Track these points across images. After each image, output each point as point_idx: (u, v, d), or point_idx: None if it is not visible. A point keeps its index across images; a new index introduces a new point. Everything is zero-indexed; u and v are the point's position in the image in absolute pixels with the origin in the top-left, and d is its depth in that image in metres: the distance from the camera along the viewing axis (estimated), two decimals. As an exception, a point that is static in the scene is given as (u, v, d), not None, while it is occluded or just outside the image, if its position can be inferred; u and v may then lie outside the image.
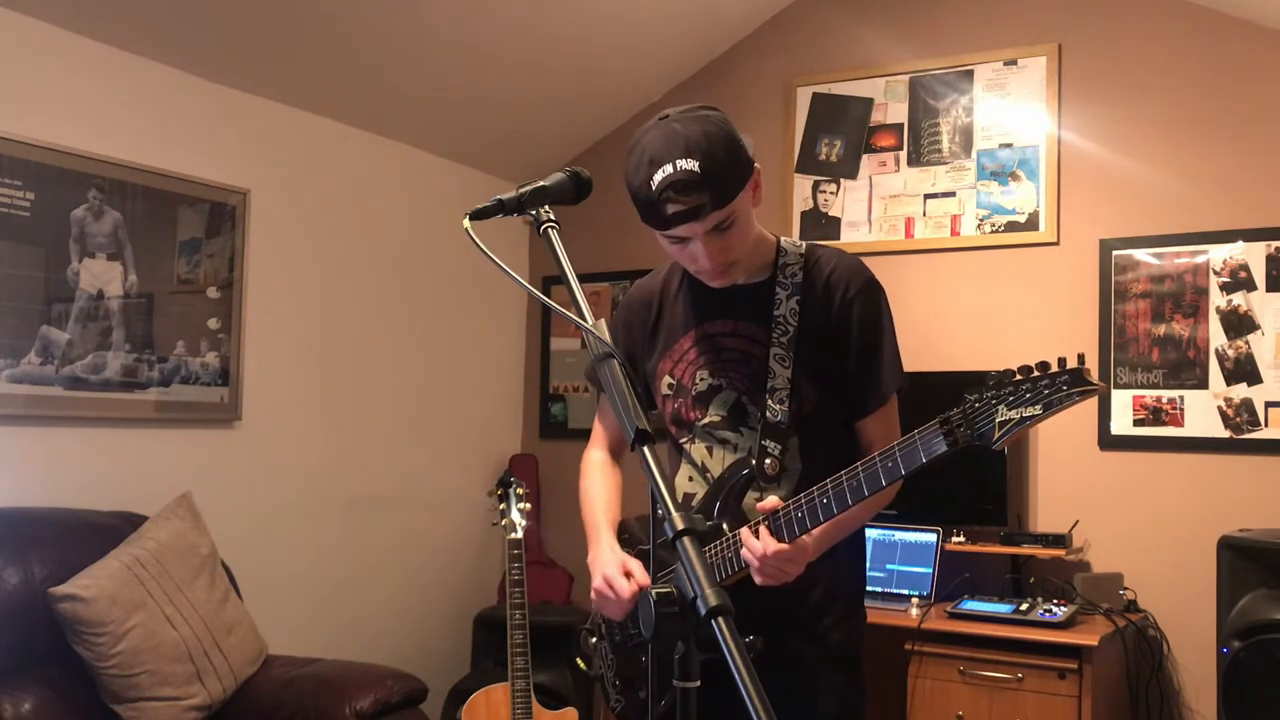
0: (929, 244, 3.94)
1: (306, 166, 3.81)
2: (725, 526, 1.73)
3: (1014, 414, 1.39)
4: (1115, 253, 3.61)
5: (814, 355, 1.77)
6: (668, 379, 1.88)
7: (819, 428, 1.77)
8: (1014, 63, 3.82)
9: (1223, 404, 3.42)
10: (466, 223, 1.38)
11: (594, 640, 1.98)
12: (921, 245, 3.95)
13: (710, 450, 1.84)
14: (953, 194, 3.91)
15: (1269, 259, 3.39)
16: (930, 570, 3.54)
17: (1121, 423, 3.57)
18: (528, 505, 3.37)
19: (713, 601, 1.06)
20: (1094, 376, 1.36)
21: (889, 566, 3.62)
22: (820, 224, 4.14)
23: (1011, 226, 3.80)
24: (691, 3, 3.99)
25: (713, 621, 1.05)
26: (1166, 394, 3.50)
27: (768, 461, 1.74)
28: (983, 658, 3.13)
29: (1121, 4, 3.67)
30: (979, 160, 3.87)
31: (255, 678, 2.98)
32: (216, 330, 3.47)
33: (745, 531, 1.64)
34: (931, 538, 3.58)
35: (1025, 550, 3.48)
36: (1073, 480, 3.63)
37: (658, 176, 1.60)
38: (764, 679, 1.01)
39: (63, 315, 3.04)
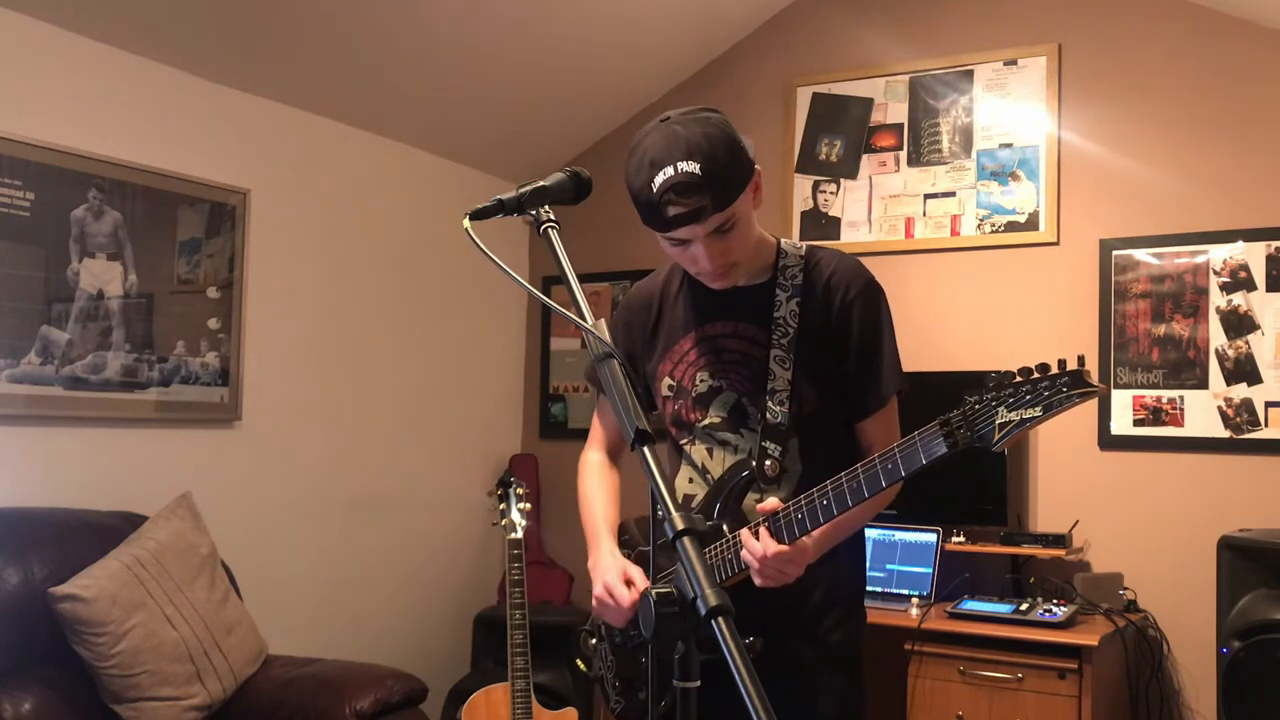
0: (929, 244, 3.94)
1: (306, 166, 3.81)
2: (725, 528, 1.73)
3: (1014, 416, 1.39)
4: (1115, 253, 3.61)
5: (814, 357, 1.77)
6: (668, 380, 1.88)
7: (819, 429, 1.77)
8: (1014, 63, 3.82)
9: (1223, 404, 3.42)
10: (466, 223, 1.38)
11: (594, 641, 1.98)
12: (921, 245, 3.95)
13: (710, 452, 1.84)
14: (953, 194, 3.91)
15: (1269, 259, 3.39)
16: (930, 570, 3.54)
17: (1121, 423, 3.57)
18: (528, 505, 3.37)
19: (713, 602, 1.06)
20: (1094, 378, 1.36)
21: (889, 566, 3.62)
22: (820, 224, 4.14)
23: (1011, 226, 3.80)
24: (691, 3, 3.99)
25: (713, 622, 1.05)
26: (1166, 394, 3.50)
27: (768, 463, 1.74)
28: (983, 658, 3.13)
29: (1121, 4, 3.67)
30: (979, 160, 3.87)
31: (255, 678, 2.98)
32: (216, 330, 3.47)
33: (745, 533, 1.64)
34: (931, 538, 3.58)
35: (1025, 550, 3.48)
36: (1073, 480, 3.63)
37: (659, 179, 1.60)
38: (764, 679, 1.01)
39: (63, 315, 3.04)
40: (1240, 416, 3.39)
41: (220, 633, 2.89)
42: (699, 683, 1.19)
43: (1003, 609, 3.24)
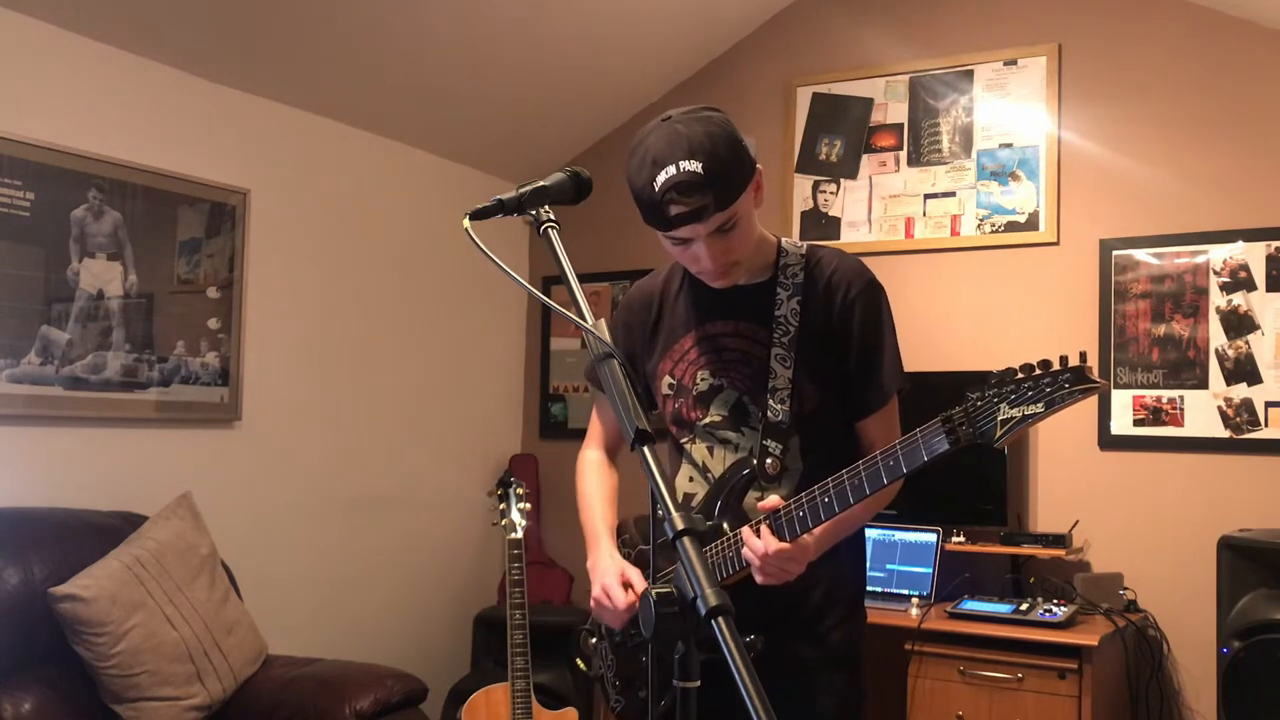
0: (929, 244, 3.94)
1: (306, 166, 3.81)
2: (726, 526, 1.73)
3: (1016, 412, 1.39)
4: (1115, 253, 3.61)
5: (815, 355, 1.77)
6: (668, 379, 1.88)
7: (820, 428, 1.77)
8: (1014, 63, 3.82)
9: (1223, 404, 3.42)
10: (466, 223, 1.38)
11: (594, 640, 1.98)
12: (921, 245, 3.95)
13: (711, 450, 1.84)
14: (953, 194, 3.91)
15: (1269, 259, 3.39)
16: (930, 570, 3.54)
17: (1121, 423, 3.57)
18: (528, 505, 3.37)
19: (713, 601, 1.06)
20: (1095, 374, 1.36)
21: (889, 566, 3.62)
22: (820, 224, 4.14)
23: (1011, 226, 3.80)
24: (691, 3, 3.99)
25: (712, 622, 1.05)
26: (1166, 394, 3.50)
27: (769, 461, 1.74)
28: (983, 658, 3.13)
29: (1121, 4, 3.67)
30: (979, 160, 3.87)
31: (255, 678, 2.98)
32: (216, 330, 3.47)
33: (746, 530, 1.64)
34: (931, 538, 3.58)
35: (1025, 550, 3.48)
36: (1073, 480, 3.63)
37: (661, 177, 1.60)
38: (764, 679, 1.01)
39: (63, 315, 3.04)
40: (1240, 416, 3.39)
41: (220, 633, 2.89)
42: (699, 682, 1.19)
43: (1003, 609, 3.24)
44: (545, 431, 4.75)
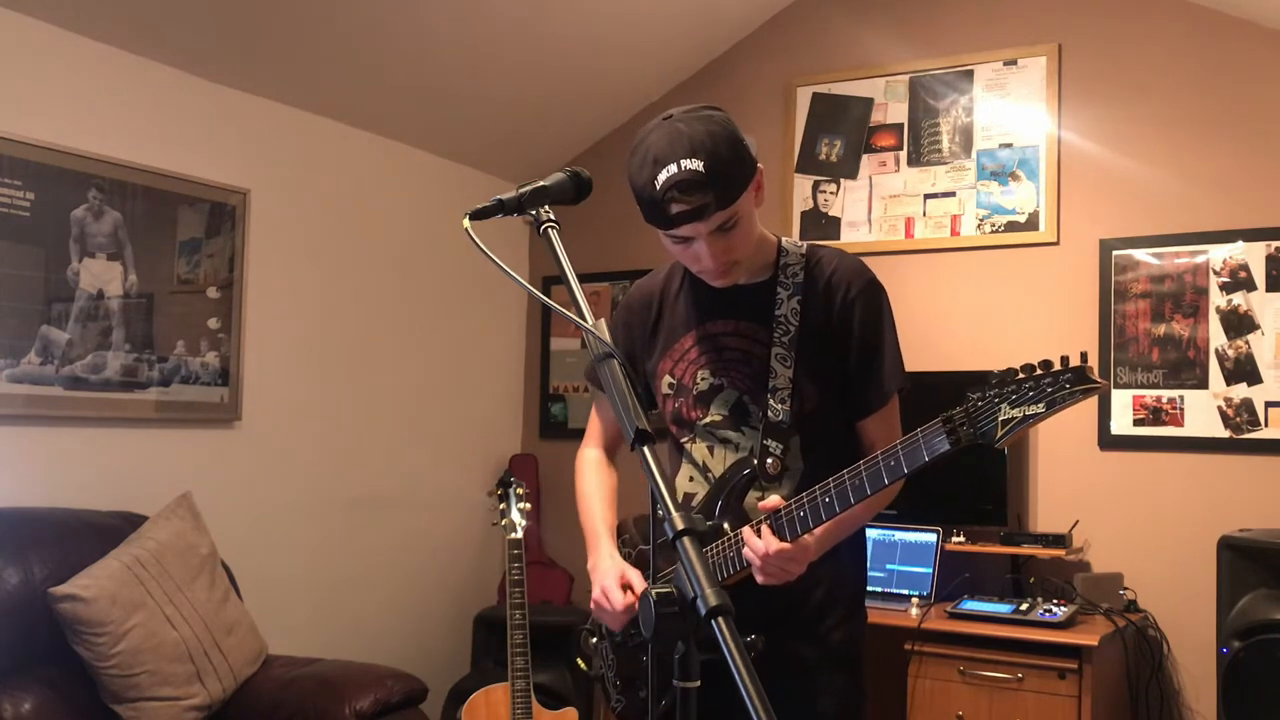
0: (929, 244, 3.94)
1: (306, 166, 3.81)
2: (726, 526, 1.73)
3: (1017, 412, 1.39)
4: (1115, 253, 3.61)
5: (815, 355, 1.77)
6: (668, 378, 1.88)
7: (820, 427, 1.77)
8: (1014, 63, 3.82)
9: (1223, 404, 3.42)
10: (466, 223, 1.38)
11: (594, 640, 1.98)
12: (921, 245, 3.95)
13: (711, 450, 1.83)
14: (953, 194, 3.91)
15: (1269, 259, 3.39)
16: (930, 570, 3.54)
17: (1121, 422, 3.57)
18: (528, 505, 3.37)
19: (713, 601, 1.06)
20: (1096, 374, 1.36)
21: (889, 566, 3.62)
22: (820, 224, 4.14)
23: (1011, 226, 3.80)
24: (691, 3, 3.99)
25: (713, 622, 1.05)
26: (1166, 394, 3.50)
27: (769, 461, 1.74)
28: (983, 658, 3.13)
29: (1121, 4, 3.67)
30: (979, 160, 3.87)
31: (255, 678, 2.98)
32: (216, 330, 3.46)
33: (747, 530, 1.64)
34: (931, 538, 3.58)
35: (1025, 550, 3.48)
36: (1073, 480, 3.63)
37: (662, 176, 1.60)
38: (764, 679, 1.01)
39: (63, 315, 3.04)
40: (1240, 416, 3.39)
41: (220, 633, 2.89)
42: (699, 682, 1.19)
43: (1003, 609, 3.24)
44: (545, 431, 4.75)
